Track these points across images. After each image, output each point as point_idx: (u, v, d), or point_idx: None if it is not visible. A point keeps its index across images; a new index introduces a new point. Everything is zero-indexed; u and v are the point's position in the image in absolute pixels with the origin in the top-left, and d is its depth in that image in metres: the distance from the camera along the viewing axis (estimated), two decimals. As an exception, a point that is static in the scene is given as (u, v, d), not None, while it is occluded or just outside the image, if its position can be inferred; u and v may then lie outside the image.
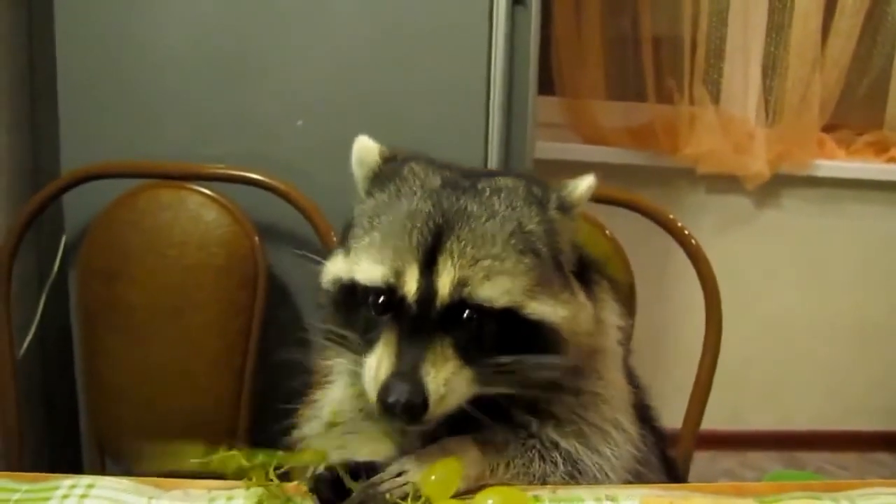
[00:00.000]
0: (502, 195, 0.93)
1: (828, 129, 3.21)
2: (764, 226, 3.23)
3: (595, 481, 0.95)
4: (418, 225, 0.89)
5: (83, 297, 1.81)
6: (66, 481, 0.88)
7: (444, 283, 0.86)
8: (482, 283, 0.86)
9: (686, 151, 3.01)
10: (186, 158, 1.80)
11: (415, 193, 0.93)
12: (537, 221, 0.93)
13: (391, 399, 0.82)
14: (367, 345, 0.88)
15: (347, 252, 0.94)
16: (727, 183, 3.11)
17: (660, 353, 2.98)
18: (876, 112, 3.29)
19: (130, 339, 1.76)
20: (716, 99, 3.09)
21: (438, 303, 0.86)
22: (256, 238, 1.76)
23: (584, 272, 0.99)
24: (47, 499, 0.85)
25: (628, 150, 3.03)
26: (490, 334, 0.88)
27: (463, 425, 0.91)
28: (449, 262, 0.86)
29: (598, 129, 3.06)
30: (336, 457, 0.90)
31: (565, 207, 0.97)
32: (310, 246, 1.81)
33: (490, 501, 0.83)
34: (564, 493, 0.91)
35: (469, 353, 0.87)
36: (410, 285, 0.86)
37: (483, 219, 0.90)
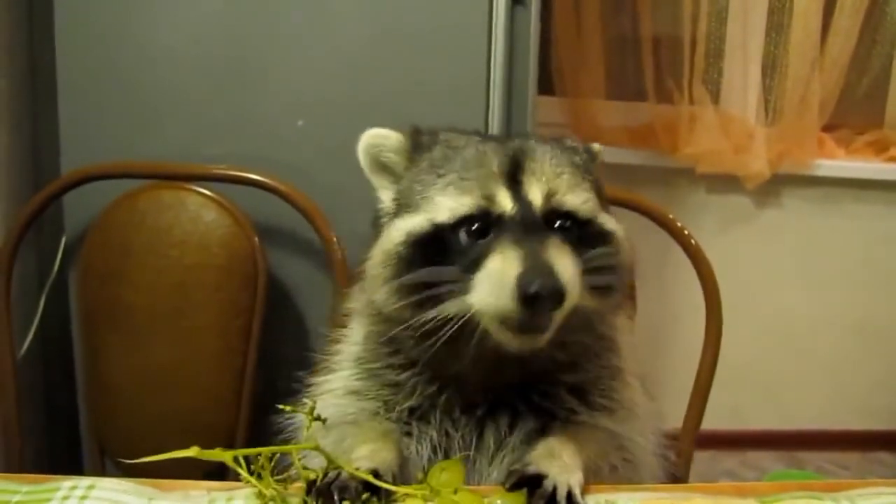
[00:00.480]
0: (544, 140, 1.01)
1: (827, 128, 3.22)
2: (764, 225, 3.23)
3: (640, 463, 0.99)
4: (493, 156, 0.94)
5: (83, 297, 1.81)
6: (67, 482, 0.88)
7: (537, 195, 0.92)
8: (567, 192, 0.93)
9: (686, 151, 3.02)
10: (187, 159, 1.80)
11: (468, 144, 0.98)
12: (579, 159, 1.01)
13: (533, 289, 0.82)
14: (469, 267, 0.88)
15: (412, 209, 0.95)
16: (727, 182, 3.11)
17: (660, 352, 2.97)
18: (875, 111, 3.29)
19: (130, 340, 1.76)
20: (716, 99, 3.10)
21: (537, 210, 0.91)
22: (256, 238, 1.76)
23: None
24: (48, 500, 0.84)
25: (628, 149, 3.04)
26: (577, 243, 0.91)
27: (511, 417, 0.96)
28: (534, 179, 0.92)
29: (597, 128, 3.07)
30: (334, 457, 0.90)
31: (591, 153, 1.06)
32: (310, 246, 1.82)
33: (498, 501, 0.83)
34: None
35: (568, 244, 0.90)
36: (505, 202, 0.91)
37: (546, 151, 0.97)
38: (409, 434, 0.99)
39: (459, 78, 1.86)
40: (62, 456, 2.05)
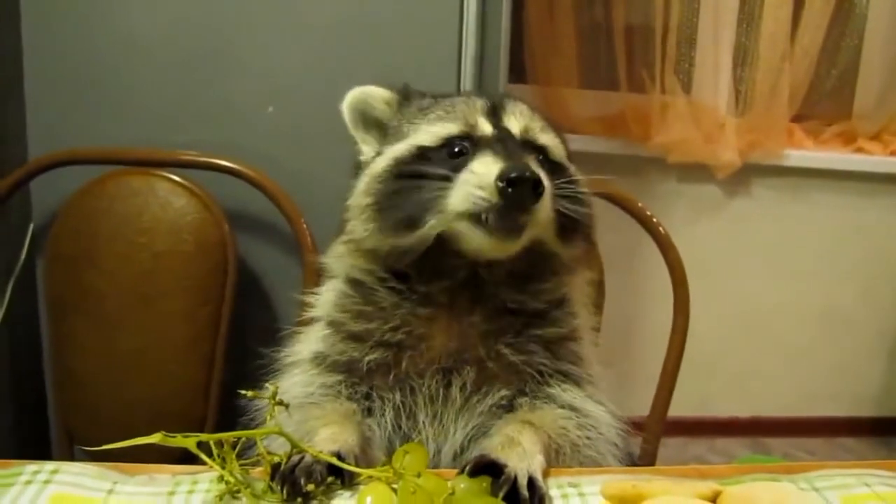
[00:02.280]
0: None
1: (797, 119, 3.25)
2: (734, 214, 3.26)
3: (606, 444, 1.01)
4: (473, 98, 1.03)
5: (51, 284, 1.79)
6: (30, 467, 0.87)
7: (514, 126, 1.00)
8: (542, 132, 1.03)
9: (657, 140, 3.03)
10: (156, 145, 1.79)
11: (451, 94, 1.07)
12: (549, 122, 1.07)
13: (514, 174, 0.88)
14: (452, 170, 0.93)
15: (400, 138, 1.03)
16: (698, 172, 3.13)
17: (629, 341, 3.00)
18: (844, 103, 3.33)
19: (99, 327, 1.75)
20: (687, 88, 3.11)
21: (516, 135, 0.99)
22: (227, 225, 1.75)
23: None
24: (10, 485, 0.84)
25: (600, 138, 3.04)
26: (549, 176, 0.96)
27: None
28: (513, 116, 1.02)
29: (569, 117, 3.07)
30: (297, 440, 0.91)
31: (555, 124, 1.10)
32: (280, 233, 1.81)
33: (462, 485, 0.84)
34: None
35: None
36: (486, 128, 0.99)
37: (523, 103, 1.06)
38: (370, 412, 0.99)
39: (430, 65, 1.86)
40: (30, 444, 2.03)
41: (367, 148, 1.09)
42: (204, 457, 0.83)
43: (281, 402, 0.89)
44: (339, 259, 1.07)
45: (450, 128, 0.98)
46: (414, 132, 1.01)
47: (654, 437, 1.69)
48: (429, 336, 1.00)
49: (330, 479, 0.85)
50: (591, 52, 3.11)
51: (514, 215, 0.91)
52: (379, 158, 1.02)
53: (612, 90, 3.11)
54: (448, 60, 1.84)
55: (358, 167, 1.08)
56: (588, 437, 1.00)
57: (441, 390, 0.99)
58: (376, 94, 1.08)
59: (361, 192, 1.01)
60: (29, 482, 0.85)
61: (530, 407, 0.99)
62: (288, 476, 0.83)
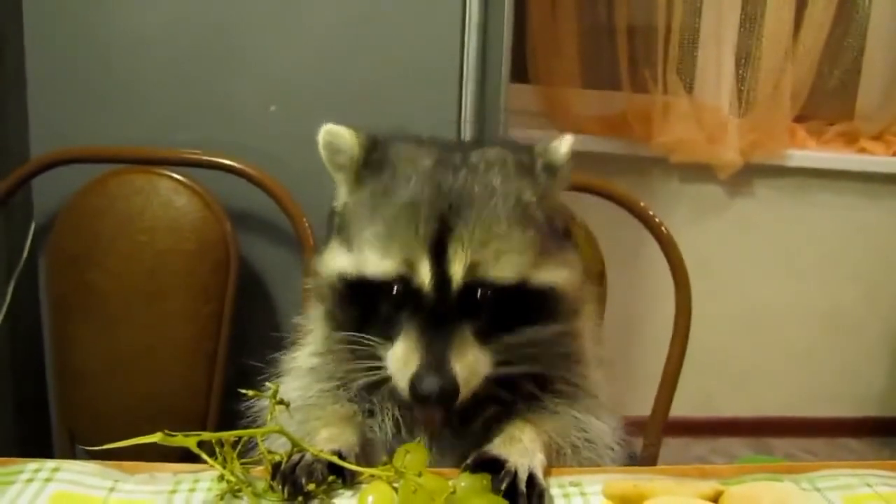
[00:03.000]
0: (496, 169, 0.96)
1: (799, 119, 3.24)
2: (736, 215, 3.25)
3: (604, 449, 1.00)
4: (423, 213, 0.91)
5: (53, 283, 1.79)
6: (31, 465, 0.88)
7: (458, 269, 0.89)
8: (493, 263, 0.90)
9: (659, 140, 3.03)
10: (158, 144, 1.79)
11: (410, 178, 0.94)
12: (531, 191, 0.96)
13: (424, 390, 0.85)
14: (387, 337, 0.91)
15: (349, 245, 0.96)
16: (700, 172, 3.13)
17: (631, 340, 2.99)
18: (846, 103, 3.33)
19: (101, 325, 1.75)
20: (689, 88, 3.11)
21: (454, 288, 0.89)
22: (228, 224, 1.75)
23: (567, 229, 1.05)
24: (11, 482, 0.84)
25: (602, 138, 3.04)
26: (503, 309, 0.91)
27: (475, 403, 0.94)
28: (459, 248, 0.89)
29: (572, 117, 3.07)
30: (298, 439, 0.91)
31: (551, 171, 1.00)
32: (281, 232, 1.81)
33: (463, 483, 0.83)
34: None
35: (485, 332, 0.91)
36: (424, 275, 0.89)
37: (484, 198, 0.92)
38: (371, 413, 0.99)
39: (432, 64, 1.86)
40: (32, 443, 2.03)
41: (340, 190, 1.04)
42: (205, 456, 0.83)
43: (282, 402, 0.89)
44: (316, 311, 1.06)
45: (388, 266, 0.90)
46: (359, 246, 0.93)
47: (655, 436, 1.69)
48: None
49: (331, 478, 0.85)
50: (593, 52, 3.11)
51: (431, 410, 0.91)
52: (333, 257, 0.99)
53: (614, 90, 3.11)
54: (450, 60, 1.84)
55: (332, 213, 1.05)
56: (587, 440, 0.99)
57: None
58: (341, 143, 1.00)
59: (320, 278, 1.01)
60: (30, 480, 0.85)
61: (531, 409, 0.98)
62: (289, 475, 0.83)
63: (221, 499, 0.82)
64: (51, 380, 1.90)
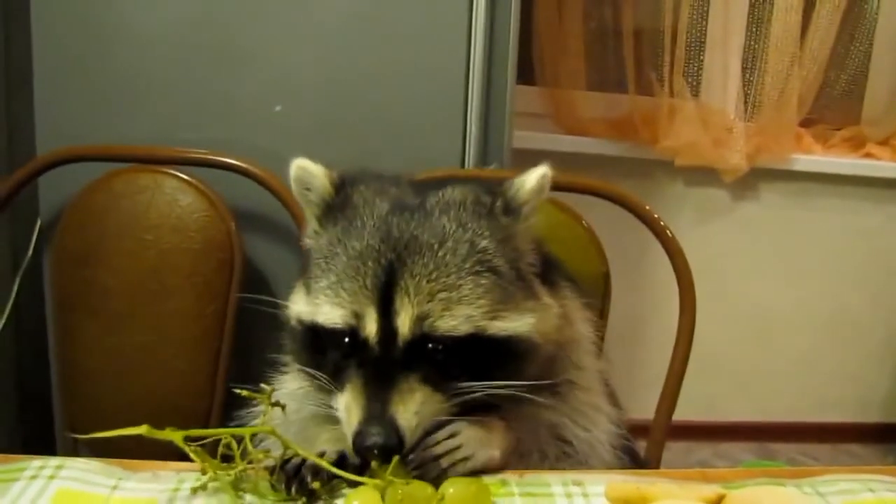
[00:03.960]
0: (451, 214, 0.94)
1: (805, 123, 3.24)
2: (741, 219, 3.25)
3: (587, 458, 0.98)
4: (370, 264, 0.90)
5: (58, 281, 1.80)
6: (35, 462, 0.88)
7: (404, 322, 0.88)
8: (441, 315, 0.88)
9: (665, 143, 3.02)
10: (163, 143, 1.79)
11: (365, 226, 0.93)
12: (489, 235, 0.93)
13: (367, 444, 0.84)
14: (337, 384, 0.91)
15: (308, 290, 0.96)
16: (705, 175, 3.12)
17: (635, 343, 2.99)
18: (853, 108, 3.32)
19: (105, 323, 1.75)
20: (695, 92, 3.11)
21: (400, 341, 0.88)
22: (233, 223, 1.76)
23: (547, 271, 1.00)
24: (15, 479, 0.84)
25: (607, 140, 3.04)
26: (456, 360, 0.89)
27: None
28: (406, 300, 0.88)
29: (577, 119, 3.07)
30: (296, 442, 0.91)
31: (513, 210, 0.96)
32: (286, 231, 1.81)
33: (451, 490, 0.83)
34: (532, 477, 0.91)
35: (437, 381, 0.89)
36: (370, 327, 0.88)
37: (435, 247, 0.90)
38: None
39: (439, 65, 1.86)
40: (35, 441, 2.03)
41: (308, 228, 1.03)
42: (190, 451, 0.83)
43: (276, 404, 0.89)
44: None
45: (338, 316, 0.90)
46: (315, 294, 0.93)
47: (658, 440, 1.69)
48: None
49: (335, 479, 0.85)
50: (599, 54, 3.10)
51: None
52: (292, 303, 0.99)
53: (620, 92, 3.10)
54: (457, 62, 1.85)
55: (305, 252, 1.03)
56: (564, 453, 0.99)
57: None
58: (313, 181, 0.99)
59: (288, 316, 1.01)
60: (34, 477, 0.85)
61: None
62: (294, 474, 0.84)
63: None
64: (55, 377, 1.90)
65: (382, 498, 0.81)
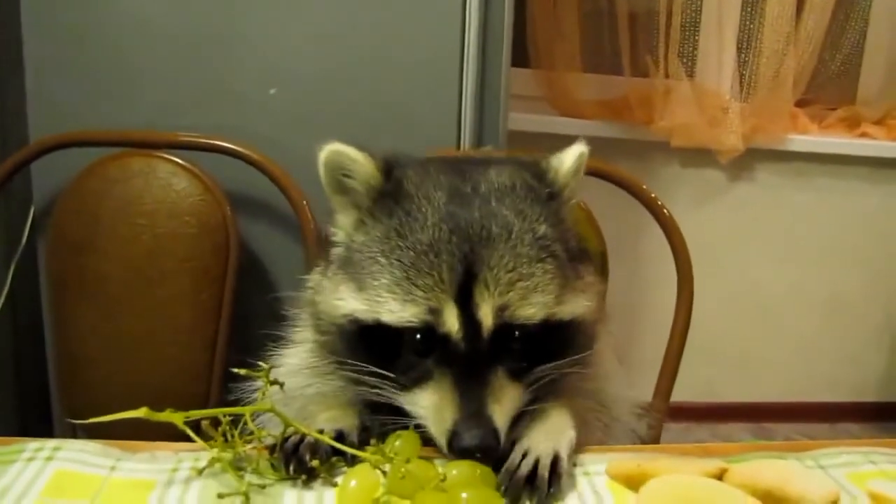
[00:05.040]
0: (507, 201, 0.93)
1: (801, 104, 3.24)
2: (737, 199, 3.25)
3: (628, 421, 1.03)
4: (445, 257, 0.87)
5: (53, 267, 1.79)
6: (32, 444, 0.87)
7: (486, 314, 0.86)
8: (520, 305, 0.88)
9: (661, 124, 3.02)
10: (157, 128, 1.78)
11: (427, 217, 0.90)
12: (544, 221, 0.93)
13: (465, 445, 0.83)
14: (411, 382, 0.88)
15: (360, 285, 0.91)
16: (701, 156, 3.12)
17: (632, 324, 2.99)
18: (848, 88, 3.33)
19: (101, 309, 1.75)
20: (691, 72, 3.10)
21: (484, 333, 0.86)
22: (228, 207, 1.75)
23: (583, 250, 1.01)
24: (12, 461, 0.84)
25: (603, 122, 3.03)
26: (530, 347, 0.89)
27: None
28: (486, 292, 0.86)
29: (573, 101, 3.06)
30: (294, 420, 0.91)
31: (556, 193, 0.97)
32: (282, 215, 1.81)
33: (454, 471, 0.83)
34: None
35: (517, 371, 0.89)
36: (452, 323, 0.86)
37: (504, 236, 0.89)
38: (377, 408, 0.96)
39: (433, 48, 1.85)
40: (33, 427, 2.03)
41: (341, 218, 0.98)
42: (191, 433, 0.83)
43: (276, 382, 0.88)
44: (306, 322, 1.03)
45: (412, 313, 0.86)
46: (375, 291, 0.89)
47: (656, 421, 1.68)
48: None
49: (334, 458, 0.85)
50: (594, 36, 3.09)
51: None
52: (341, 294, 0.93)
53: (615, 74, 3.10)
54: (452, 45, 1.84)
55: (329, 241, 0.99)
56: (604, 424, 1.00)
57: None
58: (354, 166, 0.94)
59: (321, 313, 0.96)
60: (31, 459, 0.85)
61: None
62: (292, 453, 0.83)
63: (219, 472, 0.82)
64: (51, 363, 1.90)
65: (383, 476, 0.80)
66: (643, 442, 1.12)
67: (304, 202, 1.70)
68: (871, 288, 3.38)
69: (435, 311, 0.86)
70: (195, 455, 0.86)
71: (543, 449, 0.86)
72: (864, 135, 3.25)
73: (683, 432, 3.21)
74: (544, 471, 0.83)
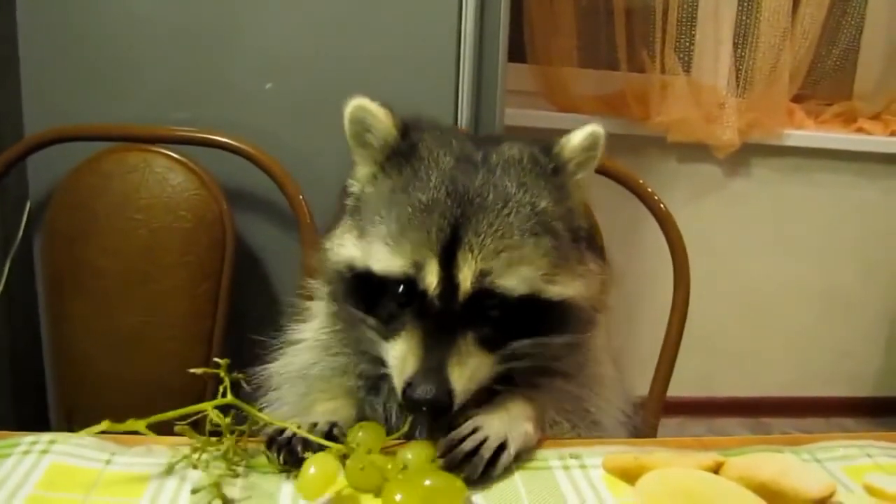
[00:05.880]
0: (512, 173, 0.94)
1: (797, 99, 3.24)
2: (733, 194, 3.25)
3: (608, 428, 0.99)
4: (436, 217, 0.89)
5: (49, 261, 1.79)
6: (27, 438, 0.87)
7: (466, 277, 0.87)
8: (502, 273, 0.88)
9: (657, 120, 3.02)
10: (154, 122, 1.78)
11: (431, 179, 0.92)
12: (547, 196, 0.94)
13: (417, 396, 0.84)
14: (389, 332, 0.90)
15: (361, 233, 0.94)
16: (698, 151, 3.12)
17: (629, 319, 2.99)
18: (845, 83, 3.32)
19: (97, 304, 1.74)
20: (687, 68, 3.10)
21: (461, 296, 0.87)
22: (224, 201, 1.74)
23: (592, 237, 1.03)
24: (7, 455, 0.84)
25: (599, 117, 3.02)
26: (509, 319, 0.89)
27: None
28: (469, 256, 0.87)
29: (569, 96, 3.06)
30: (292, 412, 0.93)
31: (560, 168, 0.97)
32: (278, 210, 1.80)
33: (409, 455, 0.84)
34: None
35: (490, 340, 0.89)
36: (431, 279, 0.88)
37: (499, 206, 0.90)
38: (377, 390, 0.98)
39: (430, 43, 1.84)
40: (29, 422, 2.03)
41: (359, 169, 1.01)
42: (187, 428, 0.83)
43: (237, 377, 0.90)
44: (321, 287, 1.05)
45: (397, 265, 0.89)
46: (371, 240, 0.92)
47: (653, 416, 1.69)
48: None
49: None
50: (590, 31, 3.09)
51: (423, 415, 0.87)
52: (343, 244, 0.97)
53: (611, 69, 3.09)
54: (448, 39, 1.83)
55: (345, 191, 1.02)
56: (592, 422, 0.99)
57: None
58: (374, 122, 0.97)
59: (326, 259, 0.99)
60: (27, 452, 0.85)
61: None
62: (284, 445, 0.84)
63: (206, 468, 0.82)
64: (47, 358, 1.89)
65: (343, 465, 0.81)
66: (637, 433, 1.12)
67: (301, 197, 1.69)
68: (867, 282, 3.38)
69: (418, 266, 0.88)
70: (191, 449, 0.86)
71: (495, 431, 0.86)
72: (860, 130, 3.25)
73: (680, 427, 3.22)
74: (487, 451, 0.84)
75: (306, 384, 0.98)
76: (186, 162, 1.73)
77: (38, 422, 1.98)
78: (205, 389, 1.74)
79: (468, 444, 0.84)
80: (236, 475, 0.83)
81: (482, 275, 0.87)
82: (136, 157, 1.74)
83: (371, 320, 0.92)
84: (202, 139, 1.74)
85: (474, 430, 0.86)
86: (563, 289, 0.92)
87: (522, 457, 0.88)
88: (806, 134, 3.19)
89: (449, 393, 0.84)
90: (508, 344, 0.90)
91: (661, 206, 1.69)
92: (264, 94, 1.83)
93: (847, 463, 0.89)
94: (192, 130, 1.75)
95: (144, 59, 1.81)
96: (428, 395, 0.83)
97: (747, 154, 3.17)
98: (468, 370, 0.87)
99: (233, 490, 0.80)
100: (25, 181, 1.86)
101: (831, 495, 0.79)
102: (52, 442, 0.86)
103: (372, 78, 1.84)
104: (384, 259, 0.90)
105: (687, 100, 3.02)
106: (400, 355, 0.88)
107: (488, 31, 1.86)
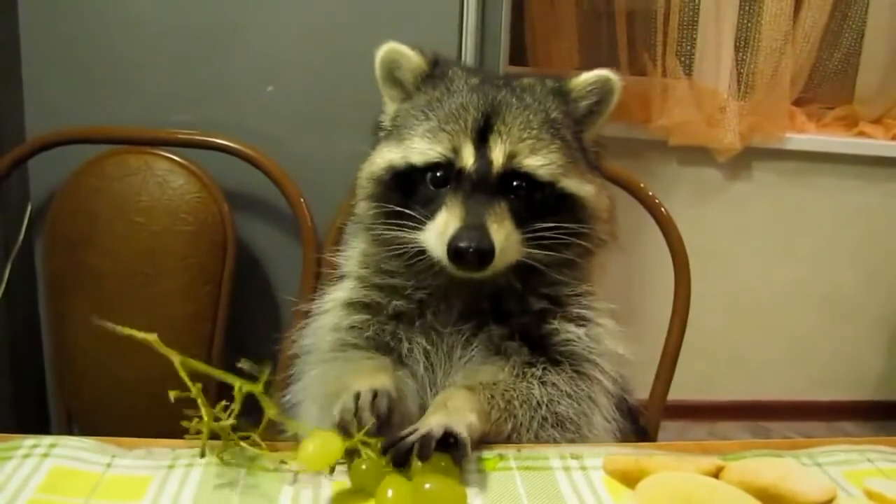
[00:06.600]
0: (528, 91, 1.10)
1: (798, 102, 3.24)
2: (734, 198, 3.25)
3: (597, 381, 1.06)
4: (470, 110, 1.05)
5: (50, 264, 1.79)
6: (28, 441, 0.87)
7: (498, 155, 1.02)
8: (529, 155, 1.03)
9: (658, 123, 3.02)
10: (155, 125, 1.78)
11: (461, 90, 1.09)
12: (556, 109, 1.09)
13: (463, 244, 0.95)
14: (428, 215, 1.01)
15: (399, 141, 1.08)
16: (699, 155, 3.12)
17: (630, 322, 2.98)
18: (845, 87, 3.32)
19: (98, 306, 1.74)
20: (688, 71, 3.10)
21: (494, 171, 1.01)
22: (225, 204, 1.75)
23: (599, 164, 1.16)
24: (8, 458, 0.84)
25: (601, 121, 3.02)
26: (534, 204, 1.03)
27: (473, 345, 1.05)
28: (499, 139, 1.03)
29: (570, 100, 3.05)
30: (335, 387, 0.95)
31: (568, 91, 1.11)
32: (279, 212, 1.81)
33: (428, 486, 0.83)
34: (529, 451, 0.92)
35: (518, 216, 1.01)
36: (468, 158, 1.02)
37: (521, 108, 1.06)
38: (401, 360, 1.05)
39: (431, 46, 1.82)
40: (30, 424, 2.03)
41: (389, 107, 1.15)
42: (194, 427, 0.83)
43: (270, 379, 0.90)
44: (359, 222, 1.14)
45: (436, 151, 1.03)
46: (409, 140, 1.06)
47: (653, 419, 1.69)
48: (449, 294, 1.06)
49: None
50: (592, 34, 3.09)
51: (466, 269, 0.98)
52: (381, 153, 1.09)
53: (613, 72, 3.09)
54: (450, 42, 1.83)
55: (377, 127, 1.15)
56: (584, 413, 1.01)
57: (460, 346, 1.06)
58: (405, 60, 1.12)
59: (365, 177, 1.10)
60: (27, 455, 0.85)
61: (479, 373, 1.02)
62: (350, 419, 0.87)
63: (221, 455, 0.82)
64: (48, 360, 1.89)
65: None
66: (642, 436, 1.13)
67: (302, 199, 1.70)
68: (868, 286, 3.38)
69: (456, 150, 1.03)
70: (191, 451, 0.86)
71: (436, 423, 0.87)
72: (861, 133, 3.25)
73: (680, 430, 3.21)
74: (431, 440, 0.84)
75: (334, 369, 1.03)
76: (187, 165, 1.73)
77: (38, 423, 1.98)
78: (205, 392, 1.74)
79: (411, 438, 0.85)
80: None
81: (511, 156, 1.02)
82: (137, 160, 1.74)
83: (410, 211, 1.02)
84: (203, 142, 1.74)
85: (416, 430, 0.87)
86: (577, 186, 1.05)
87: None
88: (807, 138, 3.20)
89: (491, 243, 0.95)
90: (533, 225, 1.01)
91: (662, 209, 1.69)
92: (265, 97, 1.83)
93: (848, 468, 0.89)
94: (193, 133, 1.75)
95: (146, 62, 1.82)
96: (473, 242, 0.94)
97: (748, 158, 3.17)
98: (504, 230, 0.98)
99: (233, 491, 0.80)
100: (27, 184, 1.86)
101: (832, 500, 0.79)
102: (52, 445, 0.86)
103: (372, 81, 1.84)
104: (424, 149, 1.04)
105: (688, 103, 3.03)
106: (442, 221, 0.99)
107: (489, 33, 1.86)
